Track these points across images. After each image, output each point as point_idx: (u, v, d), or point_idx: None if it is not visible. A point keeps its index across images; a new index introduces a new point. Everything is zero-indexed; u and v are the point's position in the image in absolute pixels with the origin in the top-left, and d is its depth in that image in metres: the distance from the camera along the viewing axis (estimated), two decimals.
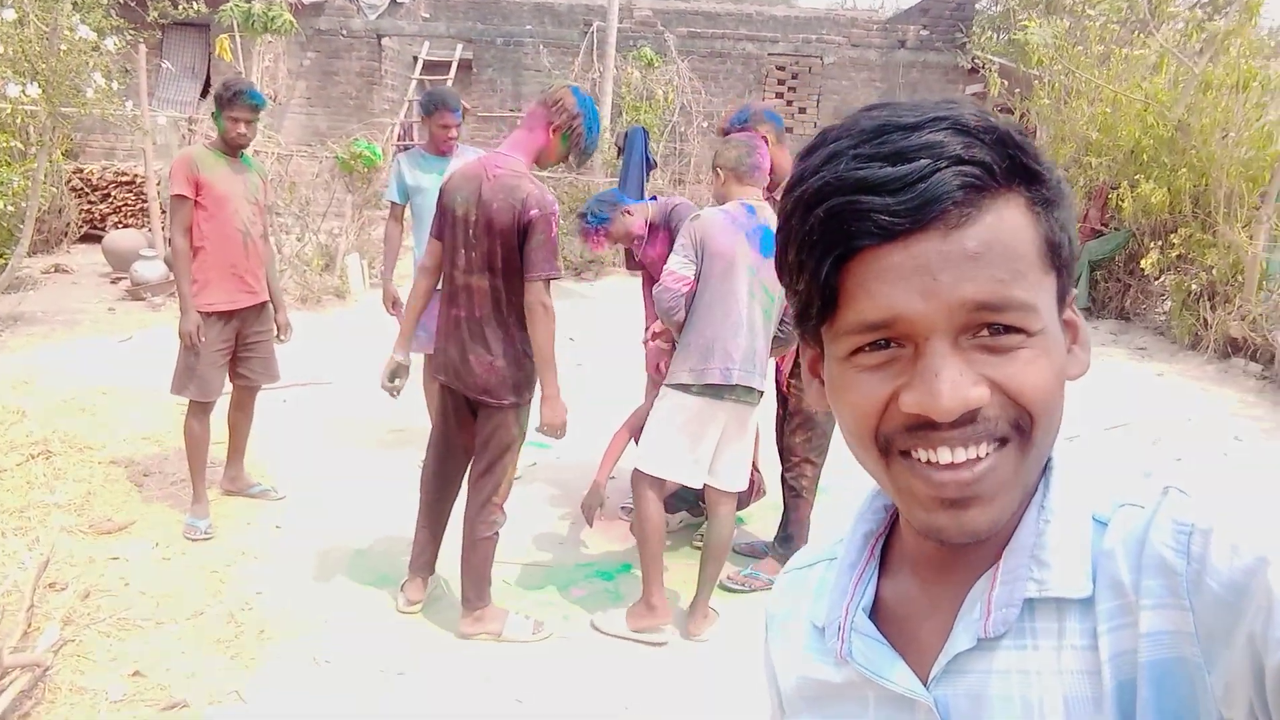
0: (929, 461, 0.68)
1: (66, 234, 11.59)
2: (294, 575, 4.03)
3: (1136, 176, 9.59)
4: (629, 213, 4.34)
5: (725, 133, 4.11)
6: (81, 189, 11.94)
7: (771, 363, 3.98)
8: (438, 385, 3.67)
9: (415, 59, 15.89)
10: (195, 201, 4.24)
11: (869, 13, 16.42)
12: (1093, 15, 11.87)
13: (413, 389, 4.45)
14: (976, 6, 15.12)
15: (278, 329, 4.69)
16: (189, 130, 12.70)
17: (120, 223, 11.88)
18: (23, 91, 7.33)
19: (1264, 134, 8.27)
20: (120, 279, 9.77)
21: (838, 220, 0.66)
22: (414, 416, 5.49)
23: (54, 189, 10.90)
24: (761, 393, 3.60)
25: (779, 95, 14.97)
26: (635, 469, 3.66)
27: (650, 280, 4.38)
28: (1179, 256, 9.02)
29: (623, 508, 4.75)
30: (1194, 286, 8.73)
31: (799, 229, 0.69)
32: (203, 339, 4.26)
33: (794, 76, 15.06)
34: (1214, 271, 8.54)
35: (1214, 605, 0.61)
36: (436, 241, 3.54)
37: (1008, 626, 0.69)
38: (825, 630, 0.81)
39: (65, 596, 3.66)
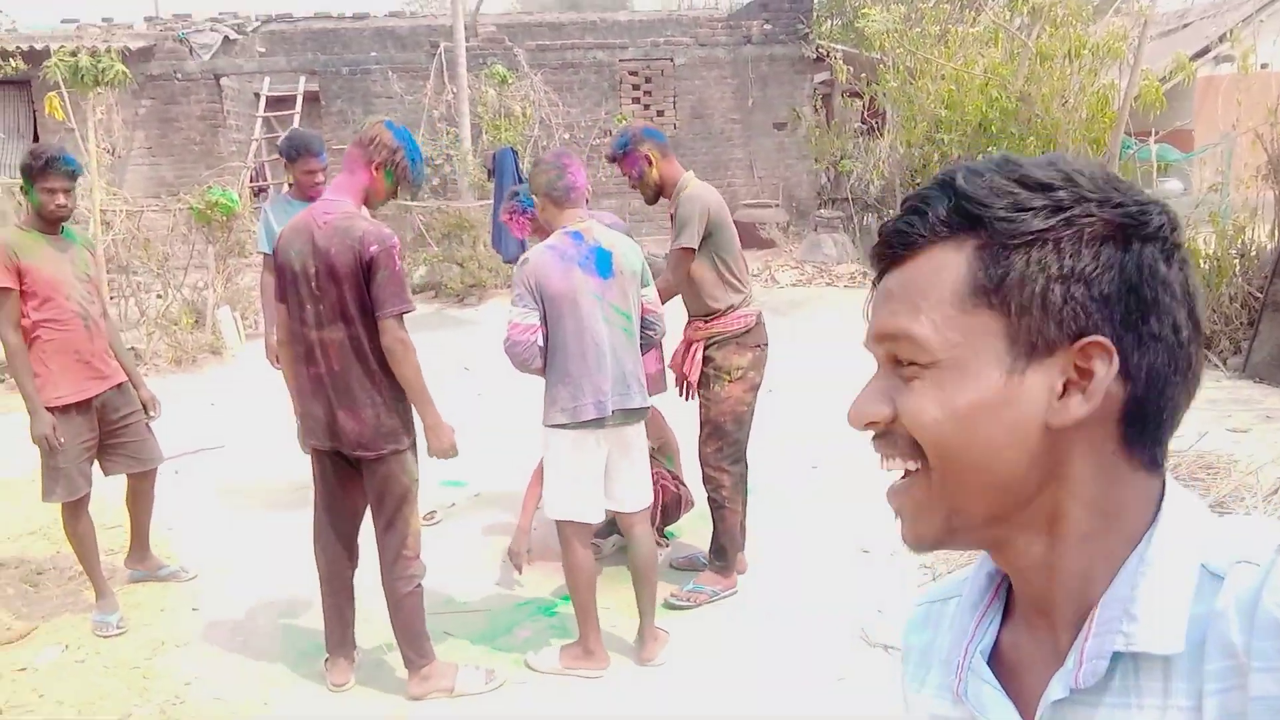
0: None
1: None
2: (221, 659, 3.82)
3: (990, 148, 10.05)
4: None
5: (612, 159, 4.08)
6: None
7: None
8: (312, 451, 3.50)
9: (257, 96, 15.34)
10: (20, 291, 3.81)
11: (710, 11, 16.71)
12: None
13: None
14: None
15: (144, 406, 4.31)
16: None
17: None
18: None
19: (1099, 97, 8.79)
20: None
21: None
22: None
23: None
24: (645, 408, 3.59)
25: (635, 100, 15.06)
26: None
27: None
28: None
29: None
30: None
31: None
32: (62, 440, 3.89)
33: (648, 80, 15.17)
34: None
35: None
36: (283, 305, 3.38)
37: (1097, 678, 0.69)
38: (947, 666, 0.83)
39: None
